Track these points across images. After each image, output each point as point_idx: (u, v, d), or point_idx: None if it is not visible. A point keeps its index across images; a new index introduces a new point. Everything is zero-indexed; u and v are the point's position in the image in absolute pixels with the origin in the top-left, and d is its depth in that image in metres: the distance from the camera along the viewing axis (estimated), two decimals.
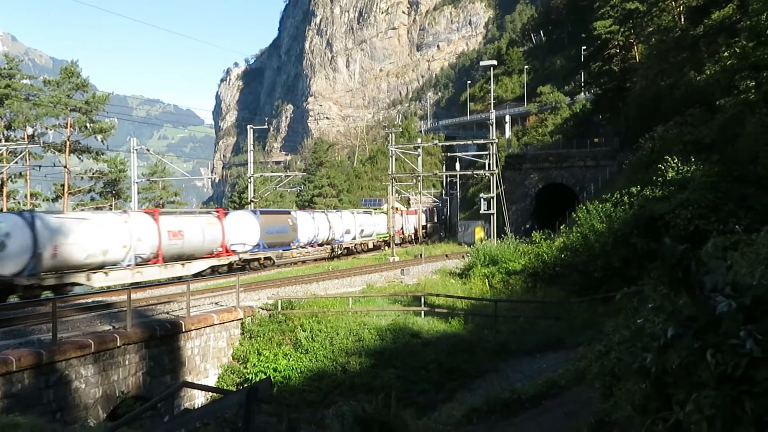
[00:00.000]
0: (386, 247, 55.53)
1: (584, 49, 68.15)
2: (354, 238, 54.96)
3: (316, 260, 48.17)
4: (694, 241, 4.22)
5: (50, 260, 25.94)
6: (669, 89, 37.91)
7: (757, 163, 19.36)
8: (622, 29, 54.28)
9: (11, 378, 13.24)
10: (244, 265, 38.40)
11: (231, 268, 36.94)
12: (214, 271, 35.81)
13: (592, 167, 58.20)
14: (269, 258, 41.28)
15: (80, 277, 27.47)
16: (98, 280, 28.30)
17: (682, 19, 42.15)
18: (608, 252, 23.18)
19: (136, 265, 30.27)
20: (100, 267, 28.55)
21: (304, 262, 47.25)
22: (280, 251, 43.18)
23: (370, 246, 58.20)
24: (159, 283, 30.69)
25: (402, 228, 63.99)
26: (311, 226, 47.21)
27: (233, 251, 37.85)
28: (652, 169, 26.03)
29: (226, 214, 39.59)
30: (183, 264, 33.34)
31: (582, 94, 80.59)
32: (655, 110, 37.27)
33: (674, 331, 3.37)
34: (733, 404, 2.98)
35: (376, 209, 67.52)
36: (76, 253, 27.10)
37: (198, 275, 33.36)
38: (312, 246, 48.02)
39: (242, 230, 38.96)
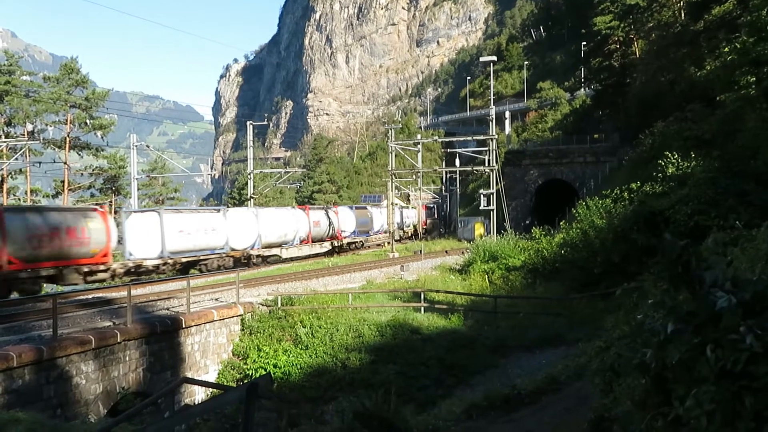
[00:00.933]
0: (386, 244, 55.61)
1: (584, 45, 68.07)
2: (401, 228, 65.24)
3: (380, 244, 59.45)
4: (694, 237, 4.22)
5: (263, 239, 40.10)
6: (669, 85, 37.88)
7: (757, 159, 19.36)
8: (622, 25, 54.19)
9: (12, 374, 13.25)
10: (347, 246, 52.65)
11: (342, 248, 51.29)
12: (333, 249, 49.85)
13: (591, 163, 58.17)
14: (360, 242, 55.83)
15: (275, 251, 42.24)
16: (283, 253, 43.08)
17: (683, 15, 42.14)
18: (608, 248, 23.18)
19: (299, 243, 44.86)
20: (282, 245, 42.68)
21: (379, 245, 58.97)
22: (365, 236, 57.18)
23: (409, 234, 68.22)
24: (159, 279, 30.71)
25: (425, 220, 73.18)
26: (380, 218, 59.38)
27: (342, 236, 51.48)
28: (652, 164, 26.01)
29: (337, 209, 53.29)
30: (320, 244, 48.03)
31: (582, 89, 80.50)
32: (655, 106, 37.25)
33: (674, 327, 3.38)
34: (733, 399, 2.99)
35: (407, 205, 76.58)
36: (273, 235, 41.39)
37: (319, 254, 46.94)
38: (379, 234, 59.94)
39: (346, 221, 52.27)
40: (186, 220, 35.18)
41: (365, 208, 60.24)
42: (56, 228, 27.72)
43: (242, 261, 38.21)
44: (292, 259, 43.28)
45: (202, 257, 35.63)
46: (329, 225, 49.08)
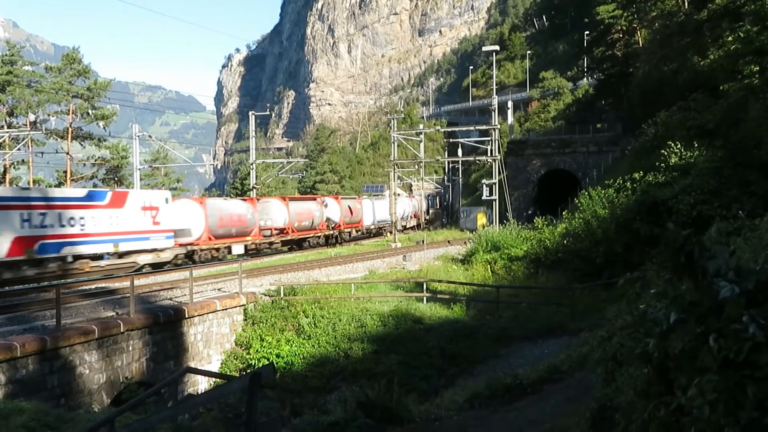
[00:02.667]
0: (388, 233, 55.77)
1: (587, 34, 67.78)
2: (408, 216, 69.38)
3: (405, 228, 65.13)
4: (696, 227, 4.21)
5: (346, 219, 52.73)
6: (672, 74, 37.74)
7: (760, 149, 19.30)
8: (625, 14, 53.97)
9: (16, 364, 13.30)
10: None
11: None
12: (379, 230, 61.62)
13: (594, 153, 58.07)
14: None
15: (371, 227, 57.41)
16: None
17: (686, 4, 41.88)
18: (610, 238, 23.18)
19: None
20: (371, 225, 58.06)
21: (404, 227, 64.56)
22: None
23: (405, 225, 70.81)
24: (162, 270, 30.75)
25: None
26: (408, 205, 67.21)
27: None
28: (654, 154, 25.96)
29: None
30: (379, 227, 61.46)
31: (585, 79, 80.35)
32: (658, 95, 37.12)
33: (677, 316, 3.37)
34: (736, 389, 2.99)
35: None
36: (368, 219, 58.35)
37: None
38: (404, 219, 65.20)
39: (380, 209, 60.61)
40: (299, 206, 46.71)
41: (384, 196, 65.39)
42: (236, 214, 38.87)
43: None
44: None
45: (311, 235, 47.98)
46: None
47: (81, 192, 31.53)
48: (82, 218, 28.39)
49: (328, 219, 49.63)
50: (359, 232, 57.31)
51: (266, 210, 43.52)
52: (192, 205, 36.76)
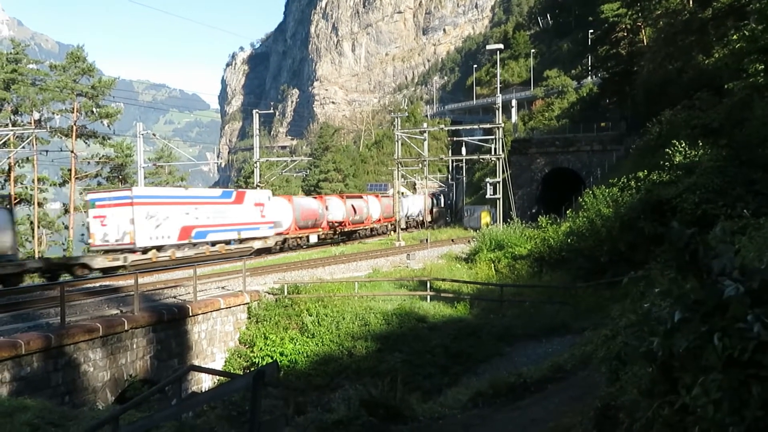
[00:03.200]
0: (392, 232, 55.84)
1: (591, 33, 67.72)
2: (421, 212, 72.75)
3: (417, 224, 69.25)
4: (701, 226, 4.20)
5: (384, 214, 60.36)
6: (677, 73, 37.63)
7: (765, 148, 19.23)
8: (629, 12, 53.81)
9: (20, 361, 13.34)
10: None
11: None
12: (407, 223, 65.66)
13: (598, 152, 57.92)
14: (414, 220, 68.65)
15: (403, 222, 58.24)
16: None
17: (690, 2, 41.76)
18: (614, 237, 23.13)
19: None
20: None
21: (422, 222, 69.68)
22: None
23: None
24: (166, 268, 30.84)
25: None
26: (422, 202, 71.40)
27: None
28: (659, 153, 25.89)
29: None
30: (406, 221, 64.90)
31: (589, 78, 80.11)
32: (663, 94, 37.01)
33: (681, 315, 3.37)
34: (740, 388, 2.98)
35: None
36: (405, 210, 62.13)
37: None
38: (420, 215, 70.63)
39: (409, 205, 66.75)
40: (353, 202, 55.16)
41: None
42: (312, 209, 47.96)
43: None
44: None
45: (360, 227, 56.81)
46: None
47: (217, 192, 42.79)
48: (218, 212, 37.39)
49: (370, 214, 58.97)
50: (392, 226, 61.75)
51: (330, 206, 51.42)
52: (284, 201, 45.43)
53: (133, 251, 31.20)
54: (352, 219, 54.43)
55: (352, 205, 54.65)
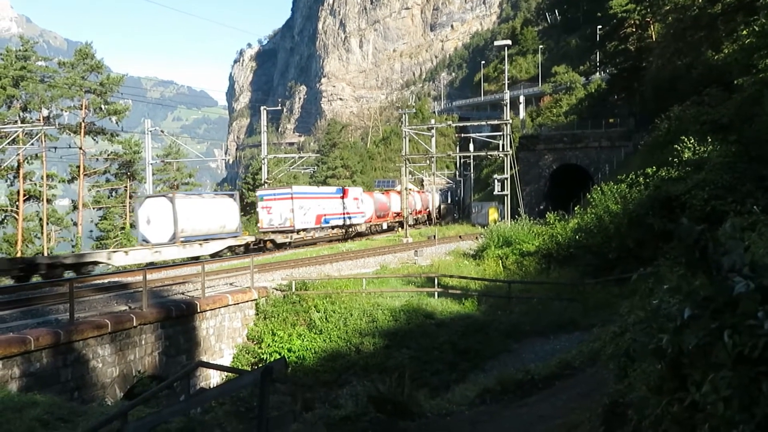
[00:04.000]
0: (400, 228, 55.88)
1: (600, 29, 67.38)
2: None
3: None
4: (710, 222, 4.18)
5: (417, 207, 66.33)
6: (686, 68, 37.45)
7: None
8: (638, 8, 53.59)
9: (30, 357, 13.40)
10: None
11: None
12: (428, 216, 69.98)
13: (607, 148, 57.74)
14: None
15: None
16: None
17: None
18: (623, 233, 23.07)
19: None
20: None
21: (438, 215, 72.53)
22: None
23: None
24: (174, 264, 30.93)
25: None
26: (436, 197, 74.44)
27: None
28: (667, 149, 25.77)
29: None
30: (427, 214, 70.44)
31: (597, 74, 79.82)
32: (672, 90, 36.85)
33: (691, 312, 3.35)
34: (750, 385, 2.97)
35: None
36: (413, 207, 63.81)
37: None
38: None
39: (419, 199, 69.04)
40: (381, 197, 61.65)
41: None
42: (383, 202, 59.73)
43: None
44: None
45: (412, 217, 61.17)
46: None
47: (333, 189, 54.41)
48: (334, 205, 49.74)
49: (415, 207, 66.06)
50: (427, 217, 70.79)
51: (392, 200, 61.59)
52: (367, 195, 57.03)
53: (293, 232, 43.74)
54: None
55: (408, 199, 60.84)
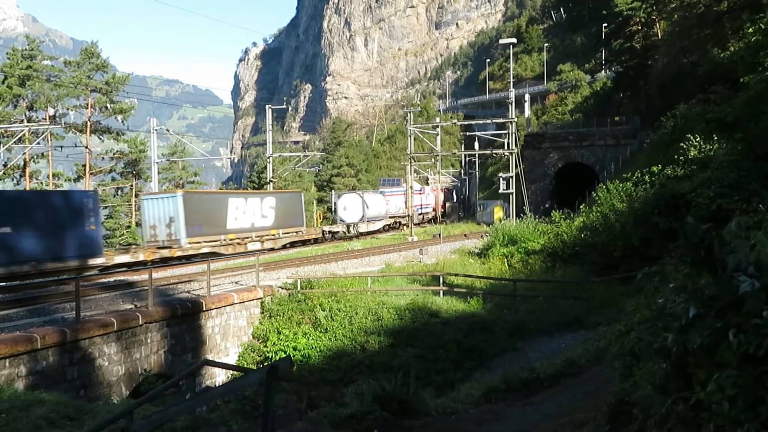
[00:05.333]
0: (405, 227, 55.89)
1: (605, 27, 67.20)
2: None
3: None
4: (716, 221, 4.18)
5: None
6: (691, 66, 37.36)
7: None
8: (644, 5, 53.39)
9: (36, 355, 13.45)
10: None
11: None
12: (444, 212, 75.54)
13: (612, 146, 57.66)
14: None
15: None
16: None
17: None
18: (628, 231, 23.03)
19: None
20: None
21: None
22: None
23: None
24: (180, 263, 30.99)
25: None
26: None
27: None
28: (673, 147, 25.73)
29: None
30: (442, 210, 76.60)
31: (603, 72, 79.67)
32: (677, 88, 36.77)
33: (696, 311, 3.35)
34: (755, 384, 2.96)
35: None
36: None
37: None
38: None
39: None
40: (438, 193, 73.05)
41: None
42: (437, 196, 71.94)
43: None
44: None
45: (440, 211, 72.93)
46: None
47: (418, 186, 63.83)
48: (418, 198, 62.09)
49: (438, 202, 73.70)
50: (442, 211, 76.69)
51: (438, 195, 71.70)
52: (431, 192, 70.09)
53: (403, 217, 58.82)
54: (442, 205, 74.93)
55: (440, 195, 74.16)
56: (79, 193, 35.81)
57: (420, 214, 65.40)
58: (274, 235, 42.32)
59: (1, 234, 24.09)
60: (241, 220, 38.91)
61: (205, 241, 35.40)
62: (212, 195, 44.56)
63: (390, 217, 60.52)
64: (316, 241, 48.80)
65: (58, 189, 49.71)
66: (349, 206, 53.71)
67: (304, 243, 46.25)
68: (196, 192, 48.76)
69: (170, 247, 33.18)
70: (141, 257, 31.84)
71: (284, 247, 42.49)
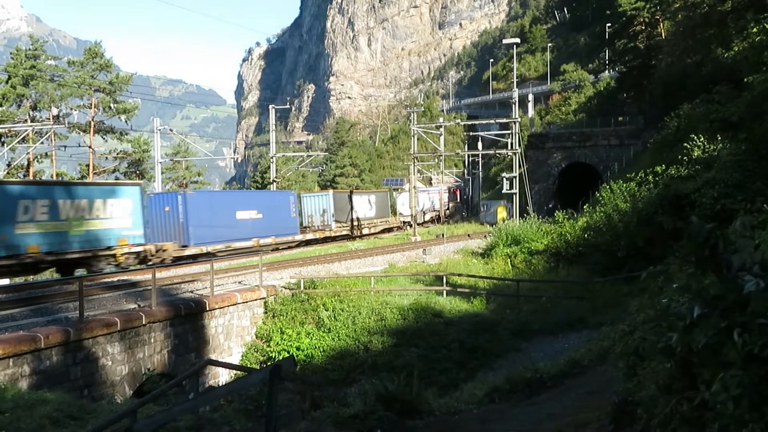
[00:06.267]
0: (408, 227, 55.90)
1: (609, 26, 67.14)
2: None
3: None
4: (720, 221, 4.16)
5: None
6: (695, 66, 37.28)
7: None
8: (647, 5, 53.34)
9: (40, 355, 13.47)
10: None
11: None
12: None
13: (616, 146, 57.60)
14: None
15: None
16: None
17: None
18: (632, 231, 22.98)
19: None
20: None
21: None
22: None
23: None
24: (183, 263, 31.03)
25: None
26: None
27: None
28: (677, 147, 25.67)
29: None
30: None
31: (606, 72, 79.59)
32: (681, 88, 36.69)
33: (701, 311, 3.34)
34: (760, 384, 2.95)
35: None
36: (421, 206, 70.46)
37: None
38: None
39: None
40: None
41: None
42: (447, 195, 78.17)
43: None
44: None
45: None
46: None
47: (444, 187, 75.31)
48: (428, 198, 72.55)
49: None
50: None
51: (437, 194, 73.63)
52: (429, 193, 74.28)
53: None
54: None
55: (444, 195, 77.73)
56: (286, 192, 51.56)
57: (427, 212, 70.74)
58: (374, 223, 57.21)
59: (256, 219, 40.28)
60: (358, 212, 54.13)
61: (342, 226, 50.74)
62: (344, 194, 56.24)
63: (433, 211, 71.14)
64: (398, 228, 62.15)
65: (276, 190, 59.24)
66: (407, 202, 62.95)
67: (390, 230, 60.51)
68: (338, 192, 59.27)
69: (323, 230, 48.98)
70: (309, 236, 47.26)
71: (381, 231, 58.10)
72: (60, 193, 27.28)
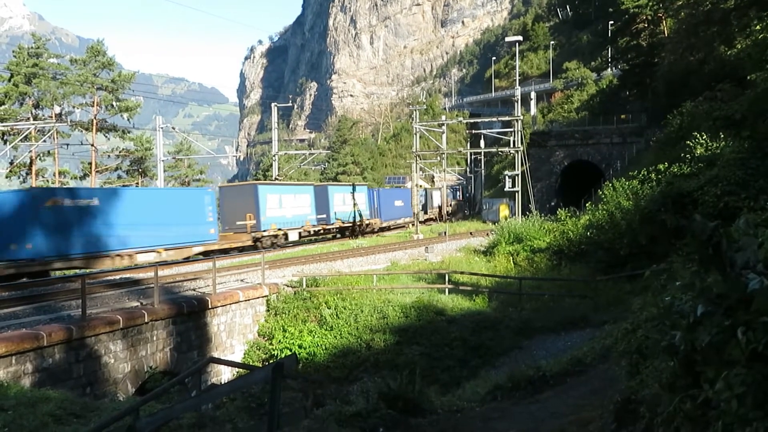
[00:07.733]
0: (410, 225, 55.90)
1: (611, 24, 67.04)
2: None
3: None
4: (723, 218, 4.15)
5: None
6: (698, 64, 37.23)
7: None
8: (650, 3, 53.18)
9: (43, 353, 13.48)
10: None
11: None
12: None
13: (618, 144, 57.50)
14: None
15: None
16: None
17: None
18: (635, 229, 22.96)
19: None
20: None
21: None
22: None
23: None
24: (185, 261, 31.07)
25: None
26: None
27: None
28: (680, 145, 25.64)
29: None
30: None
31: (609, 69, 79.48)
32: (684, 86, 36.65)
33: (704, 309, 3.33)
34: (764, 382, 2.94)
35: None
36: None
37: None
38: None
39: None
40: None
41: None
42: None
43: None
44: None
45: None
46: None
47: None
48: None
49: None
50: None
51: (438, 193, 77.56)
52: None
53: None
54: None
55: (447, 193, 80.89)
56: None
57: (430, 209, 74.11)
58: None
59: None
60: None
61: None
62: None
63: (456, 204, 78.91)
64: (434, 220, 68.91)
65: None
66: (435, 197, 73.84)
67: (428, 221, 67.62)
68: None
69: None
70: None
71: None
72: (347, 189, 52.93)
